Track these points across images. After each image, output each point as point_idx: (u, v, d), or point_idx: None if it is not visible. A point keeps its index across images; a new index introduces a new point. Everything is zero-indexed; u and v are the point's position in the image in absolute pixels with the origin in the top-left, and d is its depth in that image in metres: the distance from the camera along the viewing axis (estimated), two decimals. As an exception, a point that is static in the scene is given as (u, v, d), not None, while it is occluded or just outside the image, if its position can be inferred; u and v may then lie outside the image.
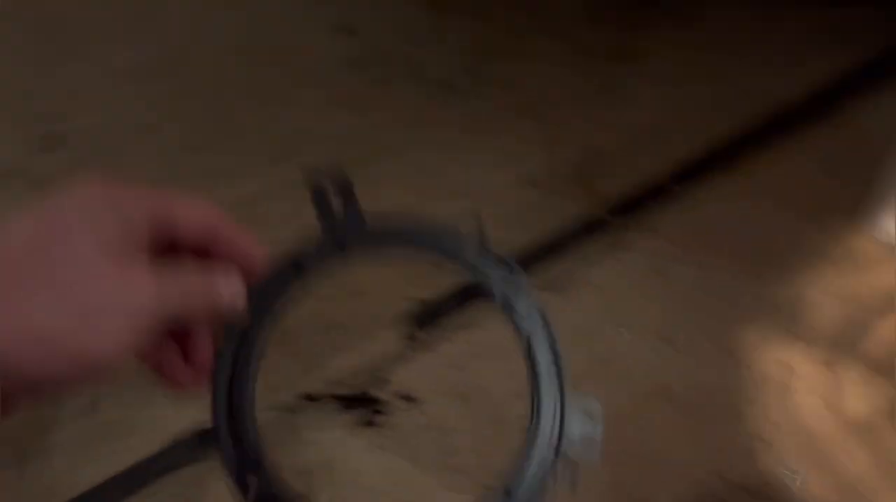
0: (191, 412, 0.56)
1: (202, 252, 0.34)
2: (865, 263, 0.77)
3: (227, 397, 0.36)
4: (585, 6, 1.03)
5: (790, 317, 0.74)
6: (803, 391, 0.70)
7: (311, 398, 0.72)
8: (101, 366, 0.30)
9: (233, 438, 0.36)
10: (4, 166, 0.86)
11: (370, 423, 0.71)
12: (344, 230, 0.38)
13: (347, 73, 1.00)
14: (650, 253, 0.81)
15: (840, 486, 0.65)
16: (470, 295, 0.80)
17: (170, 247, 0.33)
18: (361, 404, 0.72)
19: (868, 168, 0.77)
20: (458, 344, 0.76)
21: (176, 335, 0.35)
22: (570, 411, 0.37)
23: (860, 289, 0.75)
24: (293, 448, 0.70)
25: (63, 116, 0.91)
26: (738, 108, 0.91)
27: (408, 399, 0.72)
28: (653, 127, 0.91)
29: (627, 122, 0.92)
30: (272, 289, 0.37)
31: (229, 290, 0.34)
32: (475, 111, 0.95)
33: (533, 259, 0.82)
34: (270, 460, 0.35)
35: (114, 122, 0.92)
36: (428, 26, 1.03)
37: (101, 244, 0.30)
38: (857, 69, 0.91)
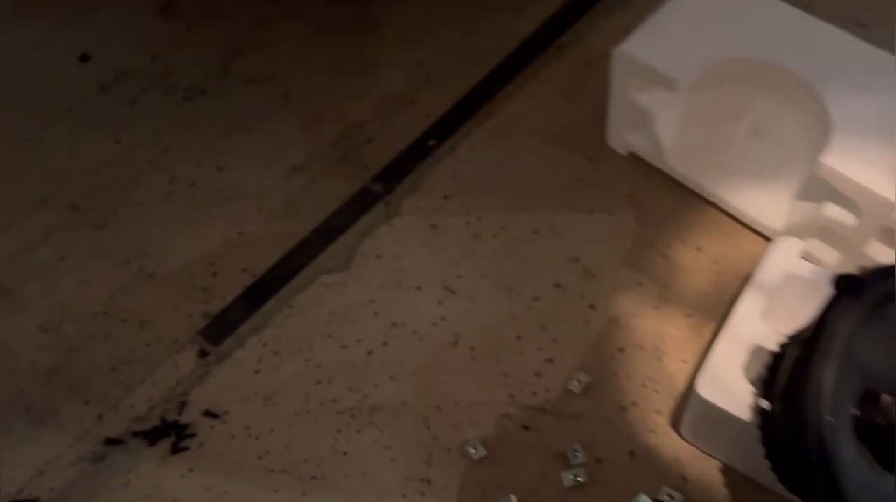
0: None
1: None
2: (607, 175, 0.82)
3: None
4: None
5: (568, 241, 0.79)
6: (573, 301, 0.76)
7: (112, 442, 0.71)
8: None
9: None
10: None
11: (179, 449, 0.70)
12: None
13: (94, 100, 0.96)
14: (422, 212, 0.84)
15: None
16: (258, 296, 0.80)
17: None
18: (164, 433, 0.71)
19: (601, 88, 0.82)
20: (252, 347, 0.76)
21: None
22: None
23: (615, 202, 0.81)
24: (107, 496, 0.69)
25: None
26: (479, 51, 0.94)
27: (212, 415, 0.72)
28: (405, 88, 0.93)
29: (380, 90, 0.93)
30: None
31: None
32: (231, 110, 0.94)
33: (312, 245, 0.83)
34: None
35: None
36: (168, 37, 1.00)
37: None
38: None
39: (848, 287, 0.46)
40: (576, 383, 0.71)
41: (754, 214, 0.73)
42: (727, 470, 0.66)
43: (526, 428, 0.70)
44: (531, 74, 0.91)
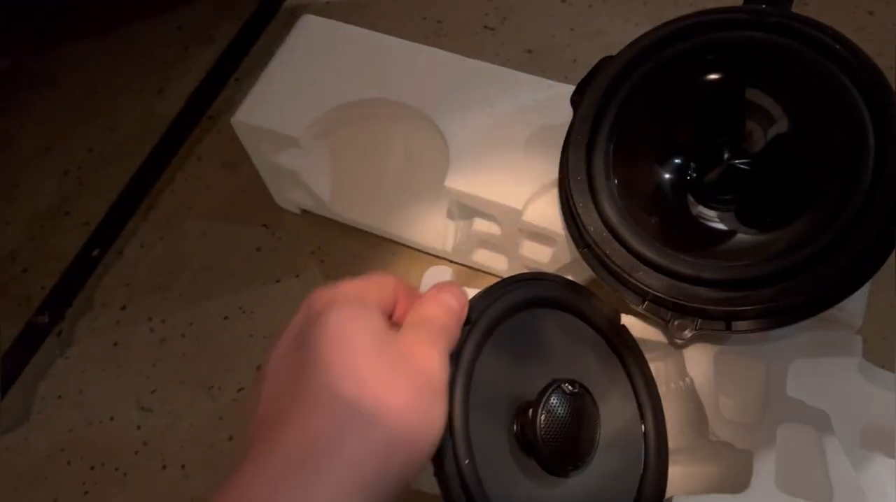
0: None
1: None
2: (286, 238, 0.79)
3: None
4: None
5: (260, 319, 0.75)
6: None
7: None
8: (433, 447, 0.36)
9: None
10: None
11: None
12: None
13: None
14: (99, 332, 0.76)
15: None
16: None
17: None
18: None
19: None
20: None
21: None
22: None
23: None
24: None
25: None
26: (127, 143, 0.88)
27: None
28: (55, 201, 0.85)
29: (28, 210, 0.85)
30: None
31: (451, 295, 0.41)
32: None
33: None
34: None
35: None
36: None
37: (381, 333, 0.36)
38: (215, 64, 0.92)
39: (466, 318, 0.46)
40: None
41: (425, 240, 0.73)
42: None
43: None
44: (187, 153, 0.86)
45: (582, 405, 0.45)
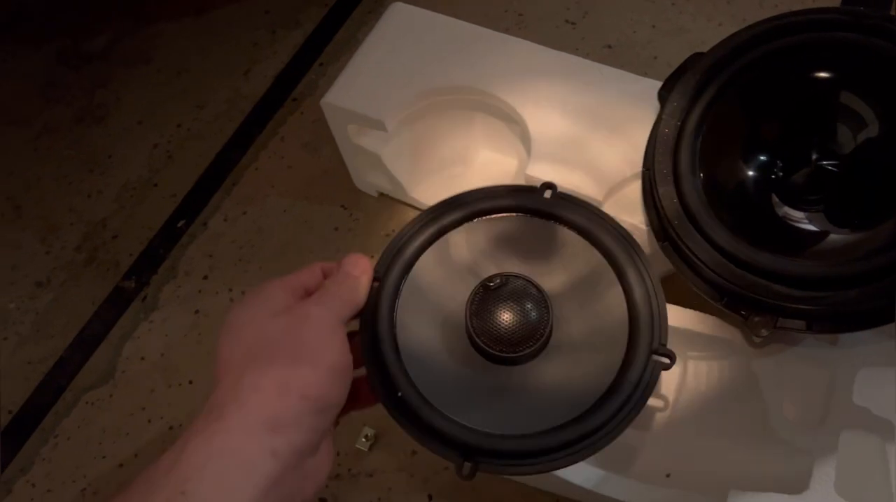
0: None
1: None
2: (362, 220, 0.82)
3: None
4: (37, 86, 0.96)
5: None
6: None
7: None
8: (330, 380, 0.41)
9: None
10: None
11: None
12: None
13: None
14: (182, 299, 0.80)
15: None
16: (18, 433, 0.73)
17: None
18: None
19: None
20: (21, 492, 0.70)
21: None
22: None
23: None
24: None
25: None
26: (214, 121, 0.91)
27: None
28: (144, 173, 0.89)
29: (119, 181, 0.89)
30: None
31: (352, 262, 0.47)
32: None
33: (70, 363, 0.77)
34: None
35: None
36: None
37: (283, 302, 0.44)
38: (301, 48, 0.95)
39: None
40: (363, 440, 0.69)
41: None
42: (525, 491, 0.66)
43: (323, 500, 0.68)
44: (271, 133, 0.89)
45: (515, 294, 0.48)
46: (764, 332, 0.51)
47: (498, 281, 0.49)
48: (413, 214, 0.79)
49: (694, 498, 0.53)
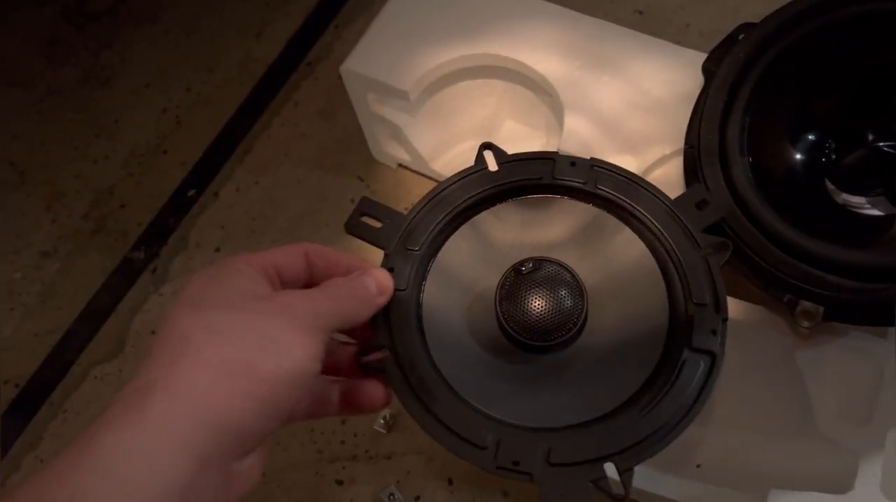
0: None
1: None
2: (380, 192, 0.78)
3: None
4: (41, 45, 0.92)
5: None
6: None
7: None
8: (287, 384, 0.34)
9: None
10: None
11: None
12: None
13: None
14: (193, 271, 0.77)
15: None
16: (27, 407, 0.72)
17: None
18: None
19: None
20: (30, 467, 0.68)
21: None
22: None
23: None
24: None
25: None
26: (225, 85, 0.88)
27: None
28: (153, 139, 0.85)
29: (126, 147, 0.85)
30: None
31: (375, 279, 0.41)
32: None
33: (79, 336, 0.75)
34: None
35: None
36: None
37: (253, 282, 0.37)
38: (315, 8, 0.91)
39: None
40: (381, 421, 0.67)
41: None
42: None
43: (339, 482, 0.66)
44: (284, 99, 0.86)
45: (547, 279, 0.45)
46: (809, 324, 0.48)
47: (530, 265, 0.46)
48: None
49: (730, 495, 0.51)
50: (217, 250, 0.78)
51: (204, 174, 0.82)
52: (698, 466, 0.58)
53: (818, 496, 0.48)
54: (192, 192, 0.81)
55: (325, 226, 0.78)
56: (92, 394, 0.72)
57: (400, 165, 0.79)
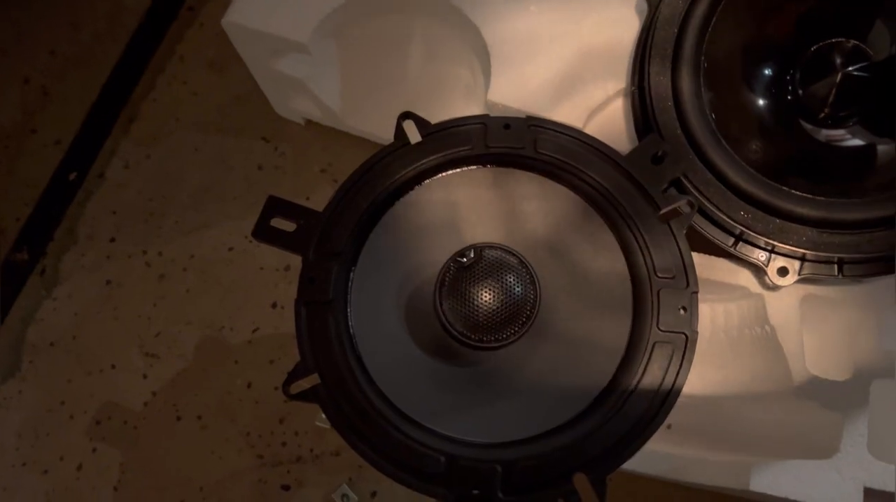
0: None
1: None
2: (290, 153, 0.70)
3: None
4: None
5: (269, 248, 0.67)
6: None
7: None
8: None
9: None
10: None
11: None
12: None
13: None
14: (88, 268, 0.68)
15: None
16: None
17: None
18: None
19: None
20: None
21: None
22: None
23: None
24: None
25: None
26: (96, 43, 0.76)
27: None
28: (18, 116, 0.73)
29: (-11, 129, 0.73)
30: None
31: None
32: None
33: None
34: None
35: None
36: None
37: None
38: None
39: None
40: (323, 416, 0.61)
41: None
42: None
43: (286, 487, 0.60)
44: (167, 53, 0.74)
45: (492, 267, 0.39)
46: (787, 281, 0.44)
47: (471, 254, 0.39)
48: (351, 143, 0.68)
49: (709, 465, 0.47)
50: (112, 240, 0.68)
51: (84, 152, 0.71)
52: (669, 427, 0.54)
53: (804, 464, 0.45)
54: (73, 175, 0.71)
55: (232, 199, 0.69)
56: (-8, 423, 0.64)
57: (309, 121, 0.69)
